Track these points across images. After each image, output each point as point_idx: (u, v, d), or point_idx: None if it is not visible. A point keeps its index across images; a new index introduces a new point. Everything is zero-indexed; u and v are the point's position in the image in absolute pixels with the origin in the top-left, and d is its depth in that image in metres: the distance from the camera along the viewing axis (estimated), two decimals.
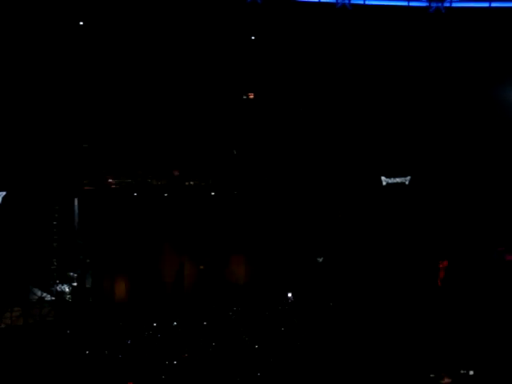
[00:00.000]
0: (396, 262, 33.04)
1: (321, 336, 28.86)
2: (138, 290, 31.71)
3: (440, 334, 27.88)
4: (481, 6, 32.58)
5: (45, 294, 30.83)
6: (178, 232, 33.08)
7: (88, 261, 32.05)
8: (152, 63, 32.87)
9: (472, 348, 26.15)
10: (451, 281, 32.69)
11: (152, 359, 27.49)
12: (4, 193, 30.84)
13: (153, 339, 28.87)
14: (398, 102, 34.48)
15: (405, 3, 32.74)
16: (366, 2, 32.60)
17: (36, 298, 30.51)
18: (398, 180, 34.87)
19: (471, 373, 24.24)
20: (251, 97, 34.79)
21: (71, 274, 31.89)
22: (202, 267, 33.37)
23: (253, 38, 33.84)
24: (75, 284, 31.62)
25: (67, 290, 31.55)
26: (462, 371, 24.45)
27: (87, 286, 31.64)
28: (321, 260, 33.93)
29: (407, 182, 34.88)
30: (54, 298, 30.94)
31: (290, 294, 32.42)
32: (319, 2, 32.47)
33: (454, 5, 32.62)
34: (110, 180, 33.03)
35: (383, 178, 34.87)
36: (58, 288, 31.36)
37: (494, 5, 32.58)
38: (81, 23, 31.73)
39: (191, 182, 34.03)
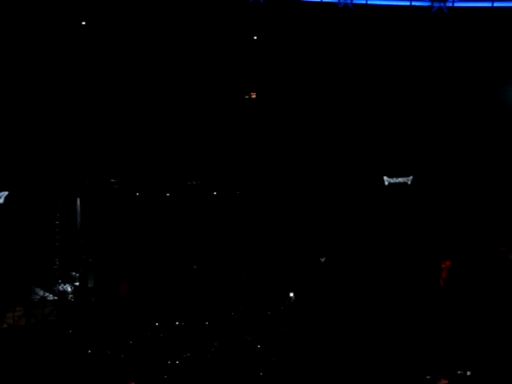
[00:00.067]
0: (398, 261, 33.02)
1: (322, 336, 28.82)
2: (138, 290, 31.75)
3: (441, 334, 27.80)
4: (483, 5, 32.59)
5: (47, 294, 30.86)
6: (179, 232, 33.16)
7: (90, 260, 32.11)
8: (153, 63, 32.91)
9: (472, 349, 26.07)
10: (454, 280, 32.66)
11: (154, 359, 27.47)
12: (6, 192, 30.92)
13: (155, 339, 28.86)
14: (400, 102, 34.46)
15: (407, 3, 32.76)
16: (369, 2, 32.62)
17: (38, 297, 30.53)
18: (400, 180, 34.85)
19: (468, 373, 24.10)
20: (253, 96, 34.80)
21: (73, 273, 31.92)
22: (194, 267, 33.41)
23: (255, 37, 33.87)
24: (77, 284, 31.67)
25: (69, 289, 31.56)
26: (459, 372, 24.30)
27: (89, 285, 31.70)
28: (323, 260, 33.93)
29: (409, 182, 34.86)
30: (56, 298, 30.97)
31: (291, 294, 32.41)
32: (321, 2, 32.50)
33: (457, 4, 32.65)
34: (112, 180, 33.08)
35: (385, 177, 34.85)
36: (60, 288, 31.39)
37: (496, 4, 32.58)
38: (83, 23, 31.89)
39: (193, 182, 34.05)
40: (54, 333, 28.57)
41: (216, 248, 33.69)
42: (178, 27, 32.57)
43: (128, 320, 29.62)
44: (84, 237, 32.32)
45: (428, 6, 32.77)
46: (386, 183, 34.80)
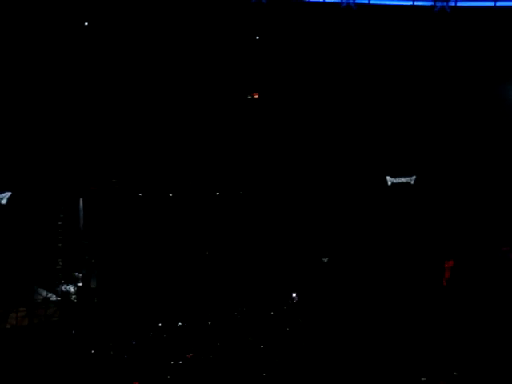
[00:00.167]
0: (401, 261, 32.97)
1: (324, 336, 28.80)
2: (141, 290, 31.75)
3: (443, 334, 27.76)
4: (486, 5, 32.53)
5: (50, 294, 30.86)
6: (182, 233, 33.18)
7: (93, 261, 32.10)
8: (156, 63, 32.91)
9: (472, 350, 26.00)
10: (456, 280, 32.60)
11: (157, 359, 27.48)
12: (9, 193, 30.95)
13: (158, 339, 28.87)
14: (402, 102, 34.42)
15: (410, 3, 32.71)
16: (371, 2, 32.58)
17: (41, 298, 30.53)
18: (403, 180, 34.81)
19: (469, 375, 24.02)
20: (256, 96, 34.78)
21: (76, 274, 31.92)
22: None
23: (257, 37, 33.85)
24: (80, 284, 31.67)
25: (72, 290, 31.56)
26: (455, 373, 24.23)
27: (92, 286, 31.70)
28: (326, 260, 33.89)
29: (412, 182, 34.82)
30: (59, 298, 30.98)
31: (294, 294, 32.38)
32: (324, 2, 32.47)
33: (459, 4, 32.59)
34: (114, 180, 33.10)
35: (388, 177, 34.81)
36: (63, 288, 31.39)
37: (499, 4, 32.52)
38: (86, 24, 31.95)
39: (195, 183, 34.06)
40: (57, 333, 28.57)
41: (219, 250, 33.67)
42: (180, 28, 32.57)
43: (131, 320, 29.62)
44: (87, 237, 32.30)
45: (430, 6, 32.72)
46: (389, 183, 34.77)
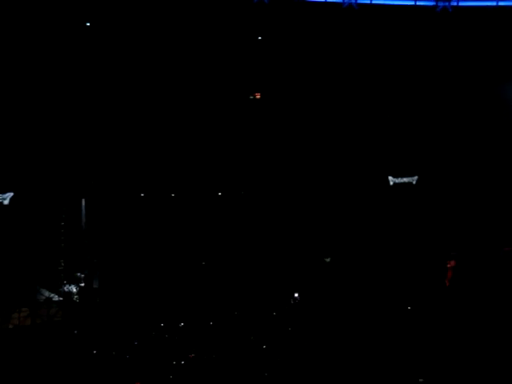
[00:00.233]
0: (403, 261, 32.97)
1: (326, 336, 28.81)
2: (143, 290, 31.80)
3: (445, 335, 27.76)
4: (488, 4, 32.49)
5: (52, 295, 30.88)
6: (184, 232, 33.19)
7: (95, 261, 32.13)
8: (157, 64, 32.93)
9: (473, 351, 25.97)
10: (459, 280, 32.60)
11: (159, 359, 27.52)
12: (12, 193, 30.99)
13: (160, 339, 28.91)
14: (404, 102, 34.40)
15: (412, 2, 32.67)
16: (373, 2, 32.55)
17: (44, 298, 30.56)
18: (405, 180, 34.79)
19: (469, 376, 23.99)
20: (258, 97, 34.76)
21: (79, 274, 31.94)
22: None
23: (259, 38, 33.84)
24: (83, 284, 31.69)
25: (75, 290, 31.56)
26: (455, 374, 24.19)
27: (94, 286, 31.72)
28: (328, 260, 33.88)
29: (414, 182, 34.80)
30: (61, 299, 31.00)
31: (296, 294, 32.38)
32: (325, 2, 32.45)
33: (461, 4, 32.55)
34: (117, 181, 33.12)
35: (390, 177, 34.79)
36: (65, 288, 31.40)
37: (501, 3, 32.48)
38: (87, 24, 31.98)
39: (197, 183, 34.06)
40: (59, 333, 28.61)
41: (220, 249, 33.67)
42: (181, 28, 32.58)
43: (133, 321, 29.66)
44: (89, 238, 32.33)
45: (433, 6, 32.68)
46: (391, 183, 34.75)
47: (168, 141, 33.30)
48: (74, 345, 27.83)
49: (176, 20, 32.38)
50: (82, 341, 28.11)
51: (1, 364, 25.85)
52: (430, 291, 31.79)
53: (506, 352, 25.69)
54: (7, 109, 31.04)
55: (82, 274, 31.94)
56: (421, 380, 23.98)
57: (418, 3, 32.63)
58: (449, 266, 32.88)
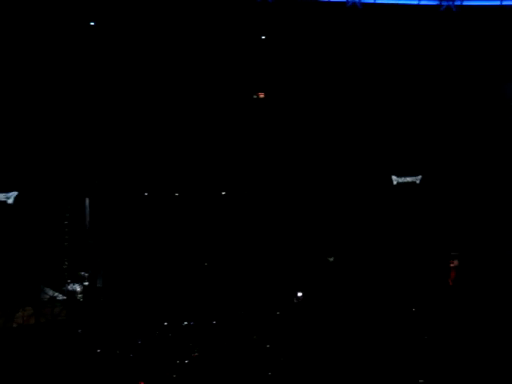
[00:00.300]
0: (407, 261, 32.96)
1: (330, 336, 28.81)
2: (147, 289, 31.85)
3: (448, 335, 27.74)
4: (492, 4, 32.43)
5: (56, 294, 30.94)
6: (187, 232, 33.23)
7: (99, 260, 32.19)
8: (161, 62, 32.94)
9: (476, 351, 25.92)
10: (462, 280, 32.58)
11: (163, 359, 27.54)
12: (16, 193, 31.06)
13: (164, 339, 28.94)
14: (408, 101, 34.37)
15: (415, 2, 32.64)
16: (377, 1, 32.53)
17: (48, 297, 30.61)
18: (408, 179, 34.77)
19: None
20: (262, 96, 34.76)
21: (82, 273, 32.01)
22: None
23: (263, 37, 33.84)
24: (86, 283, 31.76)
25: (78, 289, 31.66)
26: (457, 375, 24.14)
27: (98, 285, 31.79)
28: (331, 260, 33.89)
29: (418, 182, 34.78)
30: (65, 298, 31.08)
31: (300, 294, 32.38)
32: (329, 2, 32.44)
33: (465, 3, 32.50)
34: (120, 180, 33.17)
35: (394, 177, 34.78)
36: (69, 287, 31.49)
37: (505, 3, 32.42)
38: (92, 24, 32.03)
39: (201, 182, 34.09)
40: (63, 332, 28.65)
41: (224, 248, 33.70)
42: (186, 27, 32.60)
43: (137, 320, 29.70)
44: (93, 237, 32.39)
45: (436, 5, 32.63)
46: (395, 182, 34.73)
47: (172, 140, 33.34)
48: (78, 344, 27.85)
49: (179, 19, 32.41)
50: (86, 340, 28.14)
51: (5, 363, 25.90)
52: (433, 291, 31.76)
53: (510, 352, 25.62)
54: (11, 108, 31.12)
55: (85, 272, 32.04)
56: (421, 381, 23.96)
57: (421, 2, 32.60)
58: (452, 265, 32.86)
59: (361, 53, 33.85)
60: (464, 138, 34.38)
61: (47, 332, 28.71)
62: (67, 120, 32.15)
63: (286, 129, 34.61)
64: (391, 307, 30.54)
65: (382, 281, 32.19)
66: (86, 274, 31.96)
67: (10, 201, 30.93)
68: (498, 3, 32.43)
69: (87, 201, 32.59)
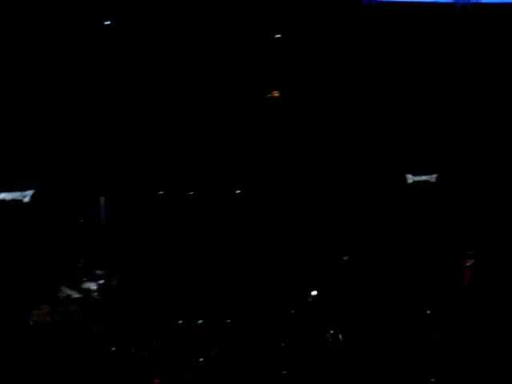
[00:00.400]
0: (422, 260, 32.84)
1: (344, 335, 28.79)
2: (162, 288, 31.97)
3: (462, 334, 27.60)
4: (509, 1, 32.13)
5: (72, 292, 31.14)
6: (203, 231, 33.28)
7: (115, 259, 32.34)
8: (174, 61, 32.98)
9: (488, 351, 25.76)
10: (478, 279, 32.39)
11: (178, 357, 27.66)
12: (32, 191, 31.26)
13: (178, 337, 29.05)
14: (423, 99, 34.21)
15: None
16: None
17: (63, 295, 30.81)
18: (424, 178, 34.61)
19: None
20: (276, 95, 34.71)
21: (98, 271, 32.16)
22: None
23: (278, 36, 33.78)
24: (102, 282, 31.90)
25: (94, 287, 31.81)
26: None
27: (114, 283, 31.93)
28: (346, 258, 33.83)
29: (433, 180, 34.60)
30: (81, 296, 31.26)
31: (314, 292, 32.37)
32: None
33: (481, 0, 32.23)
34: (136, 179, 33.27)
35: (409, 175, 34.63)
36: (84, 286, 31.66)
37: None
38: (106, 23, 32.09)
39: (215, 181, 34.12)
40: (79, 330, 28.83)
41: (239, 246, 33.73)
42: (200, 25, 32.63)
43: (152, 318, 29.83)
44: (108, 235, 32.54)
45: (452, 3, 32.41)
46: (410, 181, 34.58)
47: (186, 139, 33.39)
48: (94, 342, 28.03)
49: (194, 16, 32.43)
50: (101, 338, 28.31)
51: (22, 360, 26.14)
52: (448, 289, 31.63)
53: None
54: (26, 107, 31.28)
55: (101, 271, 32.19)
56: (433, 380, 23.89)
57: (436, 0, 32.39)
58: (467, 264, 32.67)
59: (376, 50, 33.70)
60: (481, 136, 34.16)
61: (63, 330, 28.89)
62: (83, 119, 32.26)
63: (300, 127, 34.54)
64: (406, 306, 30.43)
65: (397, 280, 32.10)
66: (102, 273, 32.11)
67: (27, 199, 31.11)
68: None
69: (102, 199, 32.73)
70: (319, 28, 33.39)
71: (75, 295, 31.06)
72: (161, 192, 33.29)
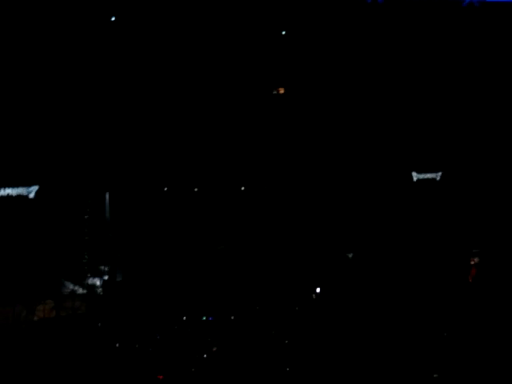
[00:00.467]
0: (426, 258, 32.83)
1: (349, 332, 28.76)
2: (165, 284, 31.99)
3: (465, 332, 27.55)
4: None
5: (77, 287, 31.20)
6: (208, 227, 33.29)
7: (119, 254, 32.37)
8: (178, 56, 32.96)
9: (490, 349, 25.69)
10: (483, 277, 32.37)
11: (181, 353, 27.66)
12: (37, 187, 31.28)
13: (182, 333, 29.06)
14: (428, 96, 34.17)
15: None
16: None
17: (68, 291, 30.88)
18: (429, 176, 34.59)
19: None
20: (281, 92, 34.67)
21: (102, 267, 32.21)
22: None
23: (283, 32, 33.74)
24: (106, 277, 31.93)
25: (99, 283, 31.86)
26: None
27: (118, 279, 31.97)
28: (351, 256, 33.84)
29: (438, 178, 34.59)
30: (85, 292, 31.31)
31: (318, 289, 32.37)
32: None
33: None
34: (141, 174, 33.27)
35: (414, 173, 34.62)
36: (89, 281, 31.71)
37: None
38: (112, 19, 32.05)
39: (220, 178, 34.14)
40: (83, 326, 28.86)
41: (243, 243, 33.75)
42: (205, 21, 32.58)
43: (156, 314, 29.84)
44: (113, 231, 32.56)
45: (459, 0, 32.34)
46: (415, 179, 34.57)
47: (192, 136, 33.39)
48: (98, 338, 28.05)
49: (201, 12, 32.39)
50: (106, 334, 28.33)
51: (26, 356, 26.16)
52: (452, 288, 31.61)
53: None
54: (31, 103, 31.26)
55: (105, 267, 32.23)
56: (435, 375, 23.86)
57: None
58: (472, 262, 32.66)
59: (382, 48, 33.64)
60: (486, 135, 34.11)
61: (67, 325, 28.93)
62: (88, 114, 32.24)
63: (306, 124, 34.53)
64: (410, 304, 30.42)
65: (402, 277, 32.08)
66: (106, 268, 32.15)
67: (32, 195, 31.14)
68: None
69: (107, 195, 32.76)
70: (325, 24, 33.35)
71: (80, 291, 31.14)
72: (166, 188, 33.33)
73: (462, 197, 33.96)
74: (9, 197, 30.66)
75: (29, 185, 31.13)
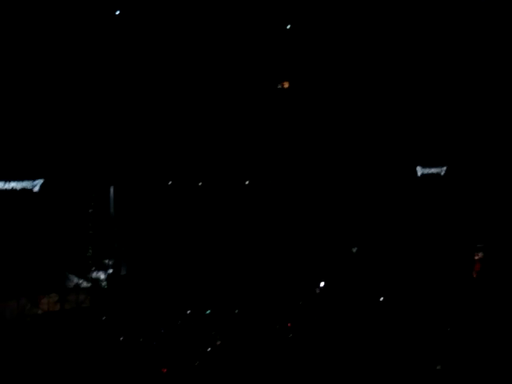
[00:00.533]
0: (431, 253, 32.80)
1: (353, 326, 28.78)
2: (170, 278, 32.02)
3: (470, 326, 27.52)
4: None
5: (81, 281, 31.27)
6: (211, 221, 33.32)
7: (123, 248, 32.43)
8: (181, 51, 32.95)
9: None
10: (487, 272, 32.34)
11: (185, 347, 27.69)
12: (42, 180, 31.34)
13: (186, 327, 29.09)
14: (432, 91, 34.09)
15: None
16: None
17: (72, 284, 30.95)
18: (433, 170, 34.54)
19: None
20: (286, 86, 34.64)
21: (107, 261, 32.27)
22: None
23: (288, 26, 33.68)
24: (111, 271, 32.00)
25: (103, 277, 31.93)
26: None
27: (122, 273, 32.04)
28: (355, 250, 33.84)
29: (443, 173, 34.53)
30: (89, 285, 31.38)
31: (322, 284, 32.39)
32: None
33: None
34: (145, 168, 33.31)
35: (419, 168, 34.58)
36: (93, 275, 31.78)
37: None
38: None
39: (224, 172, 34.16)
40: (87, 319, 28.91)
41: (247, 237, 33.77)
42: (209, 15, 32.55)
43: (160, 308, 29.88)
44: (117, 225, 32.62)
45: None
46: (419, 174, 34.53)
47: (196, 131, 33.40)
48: (102, 331, 28.10)
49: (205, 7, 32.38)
50: (110, 327, 28.39)
51: (31, 348, 26.24)
52: (457, 283, 31.59)
53: None
54: (36, 98, 31.29)
55: (110, 260, 32.30)
56: (438, 367, 23.88)
57: None
58: (477, 257, 32.63)
59: (387, 45, 33.58)
60: (490, 130, 34.02)
61: (72, 319, 28.99)
62: (92, 108, 32.27)
63: (312, 120, 34.50)
64: (414, 298, 30.42)
65: (406, 272, 32.07)
66: (111, 262, 32.22)
67: (36, 188, 31.20)
68: None
69: (112, 189, 32.81)
70: (330, 18, 33.30)
71: (84, 284, 31.22)
72: (170, 182, 33.35)
73: (466, 192, 33.92)
74: (14, 190, 30.73)
75: (34, 178, 31.19)
